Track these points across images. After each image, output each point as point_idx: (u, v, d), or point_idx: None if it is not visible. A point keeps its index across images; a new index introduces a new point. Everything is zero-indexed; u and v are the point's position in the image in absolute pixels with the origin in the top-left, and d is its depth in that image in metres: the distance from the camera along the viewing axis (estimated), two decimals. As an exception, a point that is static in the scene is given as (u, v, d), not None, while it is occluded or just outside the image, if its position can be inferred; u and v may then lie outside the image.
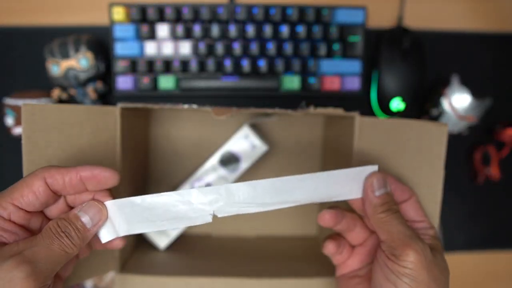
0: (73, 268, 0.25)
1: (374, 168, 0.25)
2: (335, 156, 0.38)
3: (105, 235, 0.23)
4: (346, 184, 0.25)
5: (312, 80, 0.42)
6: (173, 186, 0.41)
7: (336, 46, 0.42)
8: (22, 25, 0.43)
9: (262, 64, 0.42)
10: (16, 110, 0.39)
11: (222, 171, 0.39)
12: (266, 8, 0.42)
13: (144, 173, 0.41)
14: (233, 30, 0.42)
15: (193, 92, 0.42)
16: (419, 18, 0.45)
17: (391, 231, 0.24)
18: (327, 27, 0.42)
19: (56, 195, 0.23)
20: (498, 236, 0.47)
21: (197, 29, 0.42)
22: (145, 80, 0.42)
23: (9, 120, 0.40)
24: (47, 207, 0.24)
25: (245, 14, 0.42)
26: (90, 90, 0.41)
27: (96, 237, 0.23)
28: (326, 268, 0.34)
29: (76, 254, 0.25)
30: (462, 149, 0.46)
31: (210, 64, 0.42)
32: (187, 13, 0.41)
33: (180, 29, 0.41)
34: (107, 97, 0.44)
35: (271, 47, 0.42)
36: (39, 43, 0.42)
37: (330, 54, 0.43)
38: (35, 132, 0.26)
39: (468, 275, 0.47)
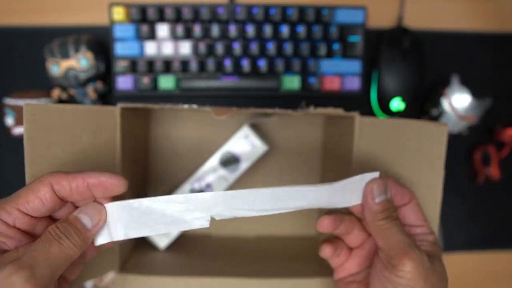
0: (80, 270, 0.25)
1: (375, 174, 0.25)
2: (335, 156, 0.38)
3: (99, 239, 0.23)
4: (347, 192, 0.25)
5: (312, 80, 0.42)
6: (173, 186, 0.41)
7: (336, 46, 0.42)
8: (22, 25, 0.43)
9: (262, 64, 0.42)
10: (16, 110, 0.39)
11: (222, 171, 0.39)
12: (266, 8, 0.42)
13: (144, 173, 0.41)
14: (233, 30, 0.42)
15: (193, 92, 0.42)
16: (419, 18, 0.45)
17: (390, 239, 0.23)
18: (327, 27, 0.42)
19: (62, 201, 0.23)
20: (498, 236, 0.47)
21: (197, 29, 0.42)
22: (145, 80, 0.42)
23: (9, 120, 0.40)
24: (54, 212, 0.23)
25: (245, 14, 0.42)
26: (90, 90, 0.41)
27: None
28: (326, 268, 0.34)
29: (82, 257, 0.25)
30: (462, 149, 0.46)
31: (210, 64, 0.42)
32: (187, 13, 0.41)
33: (180, 29, 0.41)
34: (107, 97, 0.44)
35: (271, 47, 0.42)
36: (39, 43, 0.42)
37: (330, 54, 0.43)
38: (37, 132, 0.26)
39: (468, 275, 0.47)
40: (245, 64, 0.42)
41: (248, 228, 0.43)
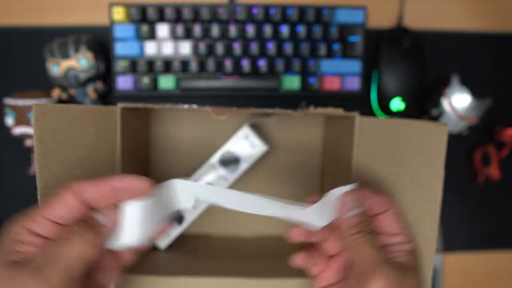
0: (115, 275, 0.25)
1: (351, 187, 0.25)
2: (335, 156, 0.38)
3: (119, 240, 0.23)
4: (325, 211, 0.25)
5: (312, 80, 0.42)
6: (173, 186, 0.41)
7: (336, 46, 0.42)
8: (22, 25, 0.43)
9: (262, 64, 0.42)
10: (16, 110, 0.39)
11: (222, 171, 0.39)
12: (266, 8, 0.42)
13: (144, 172, 0.41)
14: (233, 30, 0.42)
15: (193, 92, 0.42)
16: (419, 18, 0.45)
17: (362, 254, 0.23)
18: (327, 27, 0.42)
19: (89, 208, 0.22)
20: (498, 236, 0.47)
21: (197, 29, 0.42)
22: (145, 80, 0.42)
23: (9, 120, 0.40)
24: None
25: (245, 14, 0.42)
26: (90, 90, 0.41)
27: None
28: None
29: (117, 260, 0.24)
30: (462, 149, 0.46)
31: (210, 64, 0.42)
32: (187, 13, 0.41)
33: (180, 29, 0.41)
34: (107, 97, 0.44)
35: (271, 47, 0.42)
36: (39, 43, 0.42)
37: (330, 54, 0.43)
38: (45, 133, 0.26)
39: (468, 275, 0.47)
40: (245, 64, 0.42)
41: (248, 228, 0.43)
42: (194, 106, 0.30)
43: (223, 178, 0.39)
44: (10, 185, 0.43)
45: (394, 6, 0.45)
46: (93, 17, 0.43)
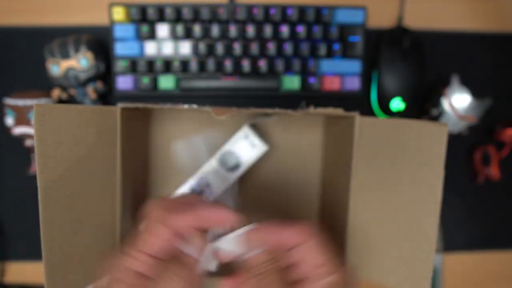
0: None
1: (251, 227, 0.24)
2: (335, 156, 0.38)
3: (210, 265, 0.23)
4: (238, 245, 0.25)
5: (312, 80, 0.42)
6: (174, 186, 0.41)
7: (336, 46, 0.42)
8: (22, 25, 0.43)
9: (262, 64, 0.42)
10: (16, 110, 0.39)
11: (222, 171, 0.39)
12: (266, 8, 0.42)
13: (144, 172, 0.41)
14: (233, 30, 0.42)
15: (193, 92, 0.42)
16: (419, 18, 0.45)
17: None
18: (327, 27, 0.42)
19: (178, 238, 0.22)
20: (498, 236, 0.47)
21: (197, 29, 0.42)
22: (145, 80, 0.42)
23: (9, 120, 0.40)
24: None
25: (245, 14, 0.42)
26: (90, 90, 0.41)
27: None
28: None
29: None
30: (462, 149, 0.46)
31: (210, 64, 0.42)
32: (187, 13, 0.41)
33: (180, 29, 0.41)
34: (107, 97, 0.44)
35: (271, 47, 0.42)
36: (39, 43, 0.42)
37: (330, 54, 0.43)
38: (46, 133, 0.26)
39: (468, 275, 0.47)
40: (245, 64, 0.42)
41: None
42: (194, 106, 0.30)
43: (223, 178, 0.39)
44: (10, 185, 0.43)
45: (394, 6, 0.45)
46: (93, 17, 0.43)
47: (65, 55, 0.39)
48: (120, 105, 0.30)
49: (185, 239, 0.22)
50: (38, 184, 0.25)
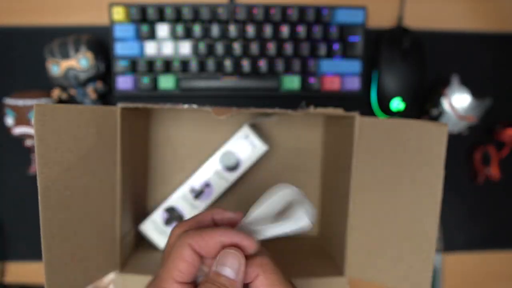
0: None
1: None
2: (335, 156, 0.38)
3: None
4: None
5: (312, 80, 0.42)
6: (173, 185, 0.41)
7: (336, 46, 0.42)
8: (22, 25, 0.43)
9: (262, 64, 0.42)
10: (16, 110, 0.39)
11: (222, 171, 0.39)
12: (266, 8, 0.42)
13: (144, 172, 0.41)
14: (233, 30, 0.42)
15: (193, 92, 0.42)
16: (419, 18, 0.45)
17: None
18: (327, 27, 0.42)
19: (201, 259, 0.22)
20: (498, 236, 0.47)
21: (197, 29, 0.42)
22: (145, 80, 0.42)
23: (9, 120, 0.40)
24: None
25: (245, 14, 0.42)
26: (90, 90, 0.41)
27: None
28: (327, 268, 0.34)
29: None
30: (462, 149, 0.46)
31: (210, 64, 0.42)
32: (187, 13, 0.41)
33: (180, 29, 0.41)
34: (107, 97, 0.44)
35: (271, 47, 0.42)
36: (39, 43, 0.42)
37: (330, 54, 0.43)
38: (46, 133, 0.26)
39: (468, 275, 0.47)
40: (245, 64, 0.42)
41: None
42: (194, 106, 0.30)
43: (223, 178, 0.39)
44: (10, 185, 0.43)
45: (394, 6, 0.45)
46: (93, 17, 0.44)
47: (65, 55, 0.39)
48: (120, 105, 0.30)
49: (221, 262, 0.21)
50: (38, 184, 0.25)
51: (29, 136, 0.40)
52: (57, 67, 0.40)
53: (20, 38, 0.43)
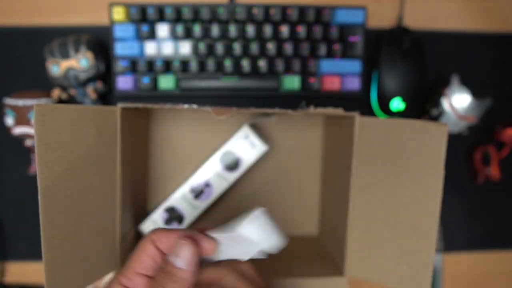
0: None
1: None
2: (335, 156, 0.38)
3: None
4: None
5: (312, 80, 0.42)
6: (173, 185, 0.41)
7: (336, 46, 0.42)
8: (22, 25, 0.43)
9: (262, 64, 0.42)
10: (16, 110, 0.39)
11: (222, 171, 0.39)
12: (266, 8, 0.42)
13: (144, 172, 0.41)
14: (233, 30, 0.42)
15: (193, 92, 0.42)
16: (419, 18, 0.45)
17: None
18: (327, 27, 0.42)
19: (164, 255, 0.23)
20: (498, 236, 0.47)
21: (197, 29, 0.42)
22: (145, 80, 0.42)
23: (9, 120, 0.40)
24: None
25: (245, 14, 0.42)
26: (90, 90, 0.41)
27: None
28: (327, 268, 0.34)
29: None
30: (462, 149, 0.46)
31: (210, 64, 0.42)
32: (187, 13, 0.41)
33: (180, 29, 0.41)
34: (107, 97, 0.44)
35: (271, 47, 0.42)
36: (39, 43, 0.42)
37: (330, 54, 0.43)
38: (46, 133, 0.26)
39: (468, 275, 0.47)
40: (245, 64, 0.42)
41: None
42: (194, 106, 0.30)
43: (223, 178, 0.39)
44: (10, 185, 0.43)
45: (394, 6, 0.45)
46: (93, 17, 0.43)
47: (65, 55, 0.39)
48: (120, 105, 0.30)
49: (174, 253, 0.22)
50: (38, 184, 0.25)
51: (29, 136, 0.40)
52: (57, 67, 0.40)
53: (20, 38, 0.43)
